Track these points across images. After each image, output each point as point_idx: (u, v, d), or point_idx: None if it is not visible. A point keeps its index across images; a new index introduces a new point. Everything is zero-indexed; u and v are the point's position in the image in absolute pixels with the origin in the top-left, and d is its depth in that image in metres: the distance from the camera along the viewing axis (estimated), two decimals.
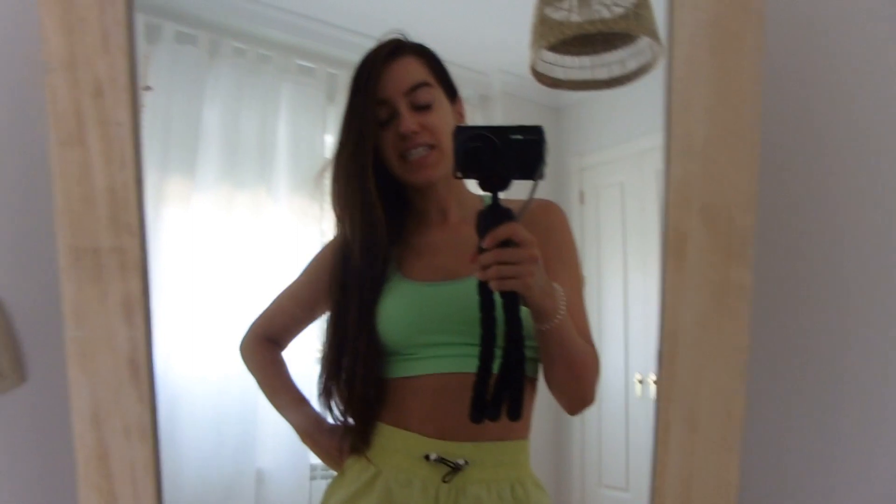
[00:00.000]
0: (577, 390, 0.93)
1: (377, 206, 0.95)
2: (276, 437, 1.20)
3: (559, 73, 1.17)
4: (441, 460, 0.91)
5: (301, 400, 1.05)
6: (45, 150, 0.85)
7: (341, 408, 0.97)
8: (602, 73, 1.16)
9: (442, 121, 0.97)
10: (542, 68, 1.17)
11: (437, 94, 0.99)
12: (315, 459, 1.11)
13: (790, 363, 1.07)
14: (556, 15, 1.12)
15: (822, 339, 1.06)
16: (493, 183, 0.82)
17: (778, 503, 1.07)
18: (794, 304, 1.06)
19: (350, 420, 0.97)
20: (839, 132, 1.07)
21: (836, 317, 1.06)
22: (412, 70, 0.98)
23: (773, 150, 0.99)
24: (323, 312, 1.01)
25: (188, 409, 1.16)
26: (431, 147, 0.96)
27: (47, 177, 0.85)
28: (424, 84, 0.97)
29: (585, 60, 1.17)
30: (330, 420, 1.00)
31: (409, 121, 0.94)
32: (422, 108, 0.96)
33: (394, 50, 0.98)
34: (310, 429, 1.03)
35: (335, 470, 1.01)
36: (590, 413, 1.28)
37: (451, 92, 1.02)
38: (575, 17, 1.11)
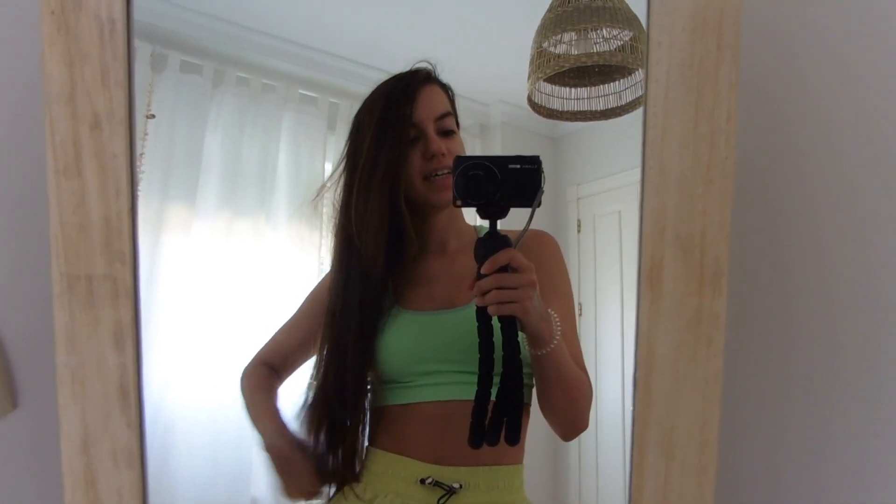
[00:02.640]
0: (572, 415, 0.94)
1: (408, 224, 0.97)
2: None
3: (556, 104, 1.19)
4: (436, 484, 0.91)
5: (280, 421, 1.04)
6: (29, 180, 0.85)
7: (332, 437, 0.97)
8: (598, 105, 1.18)
9: (460, 148, 1.02)
10: (539, 99, 1.19)
11: (455, 124, 1.03)
12: None
13: (764, 389, 1.07)
14: (555, 48, 1.14)
15: (796, 366, 1.07)
16: (493, 211, 0.84)
17: None
18: (769, 331, 1.07)
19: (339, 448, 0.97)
20: (813, 162, 1.09)
21: (811, 344, 1.07)
22: (441, 98, 1.02)
23: (748, 181, 1.00)
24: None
25: (183, 437, 1.15)
26: (450, 171, 0.98)
27: (39, 206, 0.86)
28: (449, 113, 1.02)
29: (582, 92, 1.19)
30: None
31: (437, 143, 0.97)
32: (445, 134, 1.00)
33: (427, 76, 1.02)
34: (285, 448, 1.00)
35: (300, 498, 0.99)
36: (586, 440, 1.27)
37: (457, 123, 1.06)
38: (572, 50, 1.13)
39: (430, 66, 1.03)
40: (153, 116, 1.15)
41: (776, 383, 1.08)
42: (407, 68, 1.04)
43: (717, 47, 0.82)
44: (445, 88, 1.04)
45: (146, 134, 1.13)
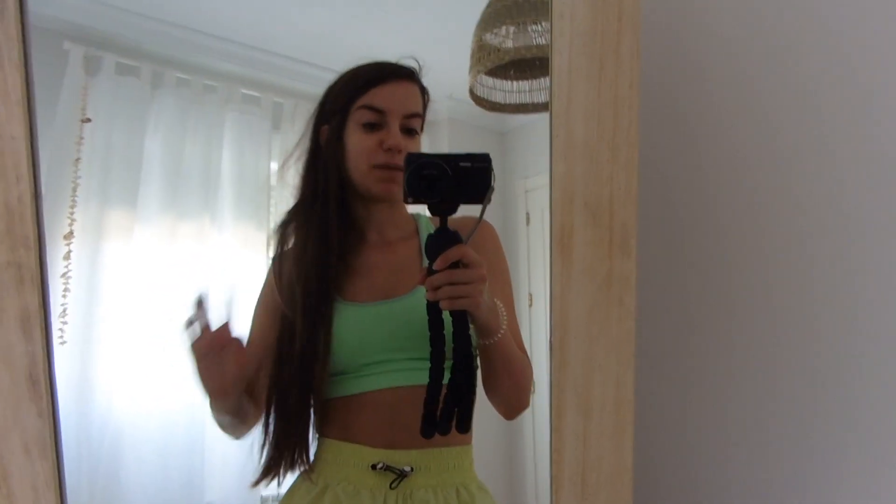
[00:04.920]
0: (516, 398, 0.96)
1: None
2: (224, 470, 1.18)
3: (498, 97, 1.20)
4: (388, 468, 0.92)
5: None
6: None
7: (282, 427, 0.97)
8: (540, 97, 1.19)
9: (417, 149, 1.02)
10: (481, 92, 1.19)
11: (419, 127, 1.03)
12: (266, 491, 1.09)
13: (676, 350, 1.11)
14: (494, 40, 1.14)
15: (705, 326, 1.11)
16: (443, 208, 0.84)
17: (673, 486, 1.09)
18: (678, 294, 1.11)
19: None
20: (714, 133, 1.13)
21: (719, 306, 1.12)
22: (416, 99, 1.02)
23: (657, 149, 1.02)
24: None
25: (133, 445, 1.13)
26: (400, 168, 0.98)
27: None
28: (419, 115, 1.02)
29: (524, 85, 1.20)
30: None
31: (398, 139, 0.98)
32: (408, 133, 1.00)
33: (410, 73, 1.02)
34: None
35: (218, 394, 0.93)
36: (540, 429, 1.29)
37: (421, 128, 1.07)
38: (512, 43, 1.13)
39: (416, 65, 1.04)
40: (89, 120, 1.12)
41: (687, 344, 1.11)
42: (354, 64, 1.04)
43: (618, 18, 0.84)
44: (423, 91, 1.04)
45: (81, 138, 1.11)
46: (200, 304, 0.87)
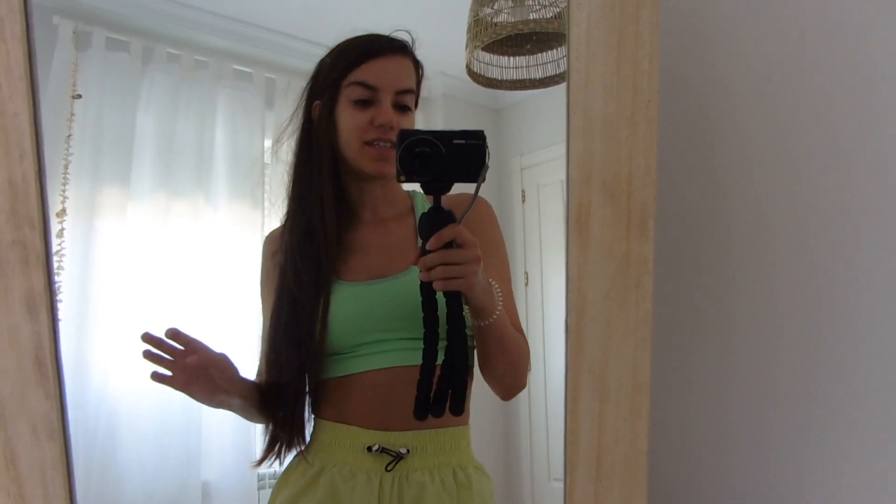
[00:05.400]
0: (512, 378, 0.95)
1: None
2: (221, 449, 1.18)
3: (495, 73, 1.19)
4: (383, 450, 0.92)
5: None
6: None
7: (283, 410, 0.96)
8: (537, 73, 1.18)
9: (410, 126, 0.99)
10: (477, 68, 1.18)
11: (413, 103, 1.01)
12: (263, 468, 1.10)
13: (693, 332, 1.10)
14: (491, 15, 1.13)
15: (721, 310, 1.10)
16: (437, 186, 0.83)
17: (688, 470, 1.10)
18: (695, 277, 1.10)
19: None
20: (730, 117, 1.12)
21: (731, 292, 1.10)
22: (409, 74, 0.99)
23: (676, 130, 1.01)
24: None
25: (129, 423, 1.13)
26: (393, 145, 0.96)
27: None
28: (411, 90, 0.99)
29: (521, 60, 1.19)
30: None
31: (390, 115, 0.96)
32: (401, 109, 0.98)
33: (402, 47, 0.99)
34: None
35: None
36: (536, 409, 1.30)
37: (416, 103, 1.04)
38: (509, 18, 1.12)
39: (409, 38, 1.00)
40: (79, 96, 1.10)
41: (704, 327, 1.11)
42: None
43: None
44: (417, 65, 1.01)
45: (72, 115, 1.09)
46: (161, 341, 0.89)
